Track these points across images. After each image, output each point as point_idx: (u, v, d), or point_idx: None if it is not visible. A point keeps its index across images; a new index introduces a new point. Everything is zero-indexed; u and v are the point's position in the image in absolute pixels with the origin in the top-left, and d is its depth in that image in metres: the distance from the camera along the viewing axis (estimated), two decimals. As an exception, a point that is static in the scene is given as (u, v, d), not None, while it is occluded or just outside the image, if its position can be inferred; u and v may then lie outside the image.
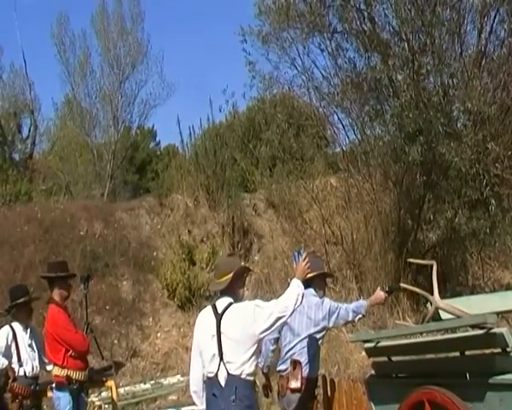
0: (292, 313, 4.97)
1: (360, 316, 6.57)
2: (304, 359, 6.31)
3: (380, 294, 6.61)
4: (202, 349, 5.05)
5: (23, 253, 13.64)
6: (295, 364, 6.22)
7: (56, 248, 14.30)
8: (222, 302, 5.03)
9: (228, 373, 4.82)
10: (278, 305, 4.93)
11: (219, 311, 4.98)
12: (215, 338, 4.91)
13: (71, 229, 15.26)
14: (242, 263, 5.78)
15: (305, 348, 6.36)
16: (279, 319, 4.88)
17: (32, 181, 21.90)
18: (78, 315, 10.47)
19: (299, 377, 6.17)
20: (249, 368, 4.85)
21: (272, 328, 4.95)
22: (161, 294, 14.43)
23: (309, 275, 5.37)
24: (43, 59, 37.24)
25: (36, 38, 40.17)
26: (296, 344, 6.37)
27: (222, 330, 4.89)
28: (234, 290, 5.06)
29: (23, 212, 15.95)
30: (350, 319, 6.53)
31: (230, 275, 5.02)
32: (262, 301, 5.11)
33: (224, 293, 5.08)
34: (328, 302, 6.48)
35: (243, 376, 4.82)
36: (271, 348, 6.64)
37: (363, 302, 6.69)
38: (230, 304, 4.98)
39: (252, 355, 4.87)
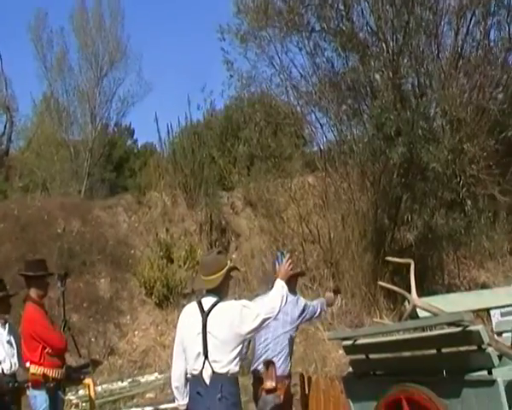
0: (277, 313, 5.01)
1: (322, 312, 7.24)
2: (279, 357, 6.36)
3: (330, 295, 7.32)
4: (186, 346, 4.97)
5: (-1, 250, 13.53)
6: (268, 364, 6.22)
7: (33, 246, 14.19)
8: (208, 300, 4.94)
9: (213, 371, 4.79)
10: (265, 306, 4.92)
11: (205, 309, 4.90)
12: (200, 336, 4.84)
13: (48, 226, 15.16)
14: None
15: (281, 346, 6.42)
16: (265, 320, 4.88)
17: (8, 178, 21.71)
18: (56, 313, 10.32)
19: (274, 376, 6.18)
20: (235, 367, 4.82)
21: (258, 329, 4.97)
22: (139, 292, 14.39)
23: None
24: (21, 55, 36.94)
25: (13, 33, 39.78)
26: (270, 343, 6.42)
27: (208, 329, 4.82)
28: (222, 289, 5.00)
29: (-1, 209, 15.83)
30: (316, 314, 7.04)
31: (222, 272, 4.95)
32: (248, 301, 5.10)
33: (210, 291, 5.04)
34: (302, 300, 6.73)
35: (229, 375, 4.81)
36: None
37: (323, 300, 7.23)
38: (217, 303, 4.91)
39: (237, 355, 4.84)
